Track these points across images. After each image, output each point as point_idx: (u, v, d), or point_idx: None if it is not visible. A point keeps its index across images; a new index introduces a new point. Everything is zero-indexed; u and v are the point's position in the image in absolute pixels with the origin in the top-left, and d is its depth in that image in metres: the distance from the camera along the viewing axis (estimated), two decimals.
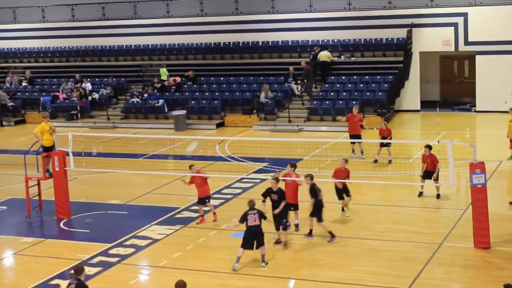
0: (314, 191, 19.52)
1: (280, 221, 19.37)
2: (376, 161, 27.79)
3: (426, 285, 16.59)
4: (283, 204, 19.39)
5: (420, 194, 23.43)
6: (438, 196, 23.19)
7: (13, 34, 49.85)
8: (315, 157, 29.61)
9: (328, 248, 19.19)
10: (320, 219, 19.50)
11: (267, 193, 19.72)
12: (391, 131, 28.28)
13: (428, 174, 23.10)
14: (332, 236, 19.54)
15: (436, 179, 22.95)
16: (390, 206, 22.72)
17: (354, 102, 36.94)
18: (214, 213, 21.93)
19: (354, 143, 28.78)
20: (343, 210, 21.67)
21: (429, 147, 23.01)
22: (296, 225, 20.61)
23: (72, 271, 14.46)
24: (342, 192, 21.40)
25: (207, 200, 21.81)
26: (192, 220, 22.06)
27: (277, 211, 19.27)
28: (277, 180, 19.72)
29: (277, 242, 19.50)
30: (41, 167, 23.54)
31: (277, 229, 19.50)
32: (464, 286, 16.74)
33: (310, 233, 19.90)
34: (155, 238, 20.70)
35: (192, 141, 23.26)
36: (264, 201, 19.72)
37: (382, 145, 27.69)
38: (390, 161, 27.87)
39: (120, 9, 46.72)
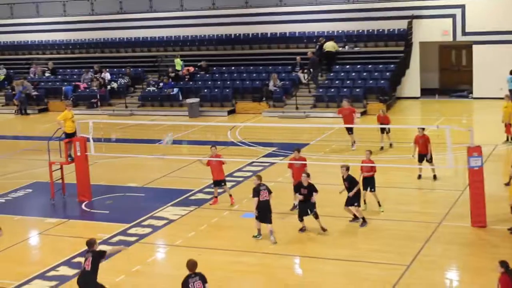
0: (354, 180, 19.11)
1: (312, 210, 18.74)
2: (382, 148, 27.35)
3: (426, 262, 16.61)
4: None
5: (419, 176, 23.42)
6: (434, 177, 23.20)
7: (36, 27, 49.81)
8: (321, 142, 29.59)
9: (334, 228, 19.18)
10: (358, 205, 19.25)
11: (297, 188, 19.06)
12: (389, 118, 27.79)
13: (422, 157, 23.10)
14: (364, 221, 19.23)
15: (430, 161, 22.95)
16: (392, 188, 22.68)
17: (357, 90, 36.94)
18: (231, 196, 21.78)
19: (350, 133, 28.08)
20: (379, 205, 20.52)
21: (422, 128, 23.02)
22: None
23: (86, 246, 14.61)
24: (368, 184, 20.35)
25: (222, 183, 21.71)
26: (205, 201, 22.11)
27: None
28: (308, 175, 18.87)
29: (302, 230, 19.02)
30: (63, 152, 23.63)
31: (301, 219, 18.90)
32: (461, 263, 16.77)
33: (356, 218, 19.43)
34: (171, 219, 20.77)
35: (168, 133, 23.11)
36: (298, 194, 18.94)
37: (382, 131, 27.35)
38: (391, 145, 27.61)
39: (137, 3, 46.62)
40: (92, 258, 14.23)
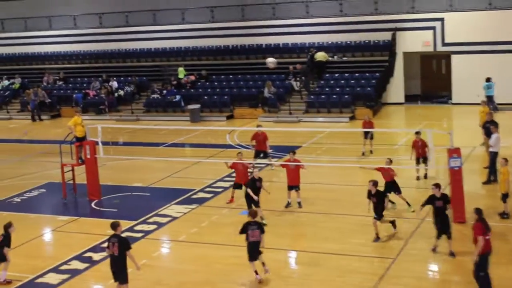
0: (382, 195, 17.99)
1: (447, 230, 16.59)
2: (363, 154, 26.79)
3: (411, 255, 16.60)
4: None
5: (418, 178, 23.17)
6: (425, 176, 23.19)
7: (49, 39, 49.75)
8: (313, 144, 29.59)
9: (326, 224, 19.18)
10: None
11: (430, 200, 16.85)
12: (373, 124, 26.90)
13: (419, 160, 22.98)
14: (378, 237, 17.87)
15: (425, 162, 22.85)
16: (380, 187, 22.59)
17: (346, 96, 36.94)
18: (233, 197, 21.59)
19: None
20: (408, 205, 19.95)
21: (418, 133, 22.89)
22: (299, 203, 20.60)
23: (111, 228, 14.45)
24: (389, 188, 19.68)
25: (242, 187, 20.97)
26: (206, 200, 22.05)
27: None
28: (438, 187, 16.68)
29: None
30: (74, 155, 23.60)
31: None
32: (443, 255, 16.70)
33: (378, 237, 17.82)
34: (174, 216, 20.72)
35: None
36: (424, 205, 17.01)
37: (365, 136, 26.61)
38: (371, 151, 26.78)
39: (142, 17, 46.59)
40: (118, 244, 14.00)
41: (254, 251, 15.37)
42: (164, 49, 45.96)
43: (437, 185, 16.72)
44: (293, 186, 20.45)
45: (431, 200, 16.72)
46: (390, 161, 20.23)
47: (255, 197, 19.04)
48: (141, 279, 15.98)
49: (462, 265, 15.79)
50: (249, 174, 20.82)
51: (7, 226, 16.13)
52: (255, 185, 19.27)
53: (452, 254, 16.36)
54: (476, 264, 13.90)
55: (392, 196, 19.77)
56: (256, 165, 21.68)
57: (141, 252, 17.67)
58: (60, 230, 20.22)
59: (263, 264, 15.51)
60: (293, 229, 18.81)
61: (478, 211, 14.09)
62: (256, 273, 15.43)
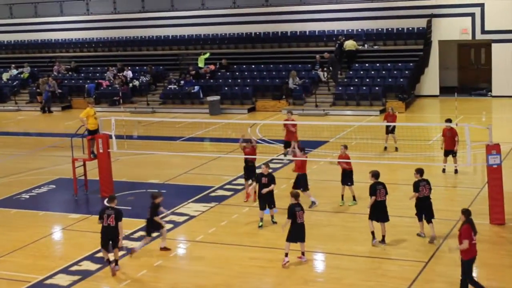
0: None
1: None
2: (385, 148, 26.98)
3: (444, 258, 16.57)
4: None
5: (443, 170, 23.54)
6: (455, 171, 23.38)
7: (59, 26, 50.15)
8: (340, 139, 29.51)
9: (352, 225, 19.21)
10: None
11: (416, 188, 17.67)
12: (396, 118, 26.84)
13: (447, 152, 23.10)
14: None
15: (455, 155, 22.98)
16: (411, 185, 22.60)
17: (376, 88, 36.89)
18: (248, 194, 21.75)
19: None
20: (354, 199, 21.02)
21: (448, 121, 22.92)
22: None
23: (106, 200, 16.90)
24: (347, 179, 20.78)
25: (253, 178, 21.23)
26: (225, 198, 22.15)
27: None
28: (419, 172, 17.77)
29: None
30: (86, 149, 23.77)
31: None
32: (479, 259, 16.62)
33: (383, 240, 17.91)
34: (192, 215, 20.84)
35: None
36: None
37: (387, 131, 26.70)
38: (396, 149, 26.77)
39: (158, 2, 46.83)
40: (115, 216, 16.39)
41: (302, 232, 16.61)
42: (182, 36, 46.13)
43: (418, 171, 17.79)
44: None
45: (417, 187, 17.59)
46: (345, 148, 20.89)
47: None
48: (157, 282, 16.14)
49: (499, 270, 15.77)
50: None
51: (155, 197, 17.75)
52: (260, 181, 19.32)
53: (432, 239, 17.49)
54: (463, 271, 14.15)
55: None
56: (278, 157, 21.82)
57: (157, 252, 17.83)
58: (71, 229, 20.41)
59: (303, 253, 16.74)
60: (316, 231, 18.85)
61: (467, 212, 14.17)
62: (286, 255, 16.49)
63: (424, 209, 17.67)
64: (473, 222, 14.18)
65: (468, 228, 13.97)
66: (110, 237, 16.58)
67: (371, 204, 17.55)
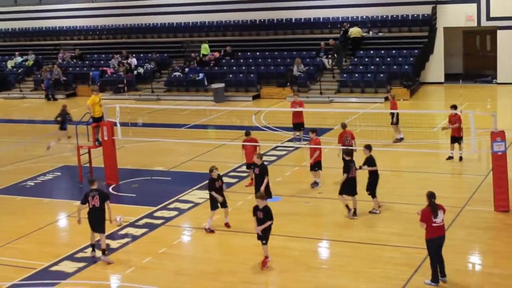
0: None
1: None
2: (401, 139, 26.48)
3: (449, 246, 16.49)
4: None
5: (449, 157, 23.49)
6: (460, 158, 23.39)
7: (64, 13, 50.15)
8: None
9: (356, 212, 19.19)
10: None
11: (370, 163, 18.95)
12: (396, 104, 26.38)
13: (454, 139, 23.05)
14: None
15: (460, 142, 23.10)
16: (415, 172, 22.63)
17: (381, 75, 36.81)
18: (251, 181, 21.69)
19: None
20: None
21: (454, 107, 22.81)
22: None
23: (90, 184, 17.06)
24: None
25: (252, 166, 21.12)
26: (231, 185, 22.10)
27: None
28: (369, 147, 18.93)
29: None
30: (91, 136, 23.80)
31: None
32: (484, 247, 16.69)
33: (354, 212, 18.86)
34: (196, 202, 20.87)
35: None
36: None
37: (392, 122, 26.11)
38: (401, 139, 26.36)
39: None
40: (99, 196, 16.53)
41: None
42: (187, 23, 46.06)
43: (368, 146, 18.80)
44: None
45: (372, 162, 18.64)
46: (313, 132, 21.41)
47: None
48: (161, 268, 16.17)
49: (504, 257, 15.76)
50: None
51: (211, 170, 18.23)
52: (254, 171, 19.56)
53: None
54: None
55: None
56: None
57: (161, 239, 17.87)
58: (76, 216, 20.33)
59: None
60: (319, 218, 18.86)
61: (430, 196, 14.33)
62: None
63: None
64: (435, 205, 14.22)
65: (427, 211, 14.22)
66: (96, 220, 16.58)
67: (343, 181, 18.60)
